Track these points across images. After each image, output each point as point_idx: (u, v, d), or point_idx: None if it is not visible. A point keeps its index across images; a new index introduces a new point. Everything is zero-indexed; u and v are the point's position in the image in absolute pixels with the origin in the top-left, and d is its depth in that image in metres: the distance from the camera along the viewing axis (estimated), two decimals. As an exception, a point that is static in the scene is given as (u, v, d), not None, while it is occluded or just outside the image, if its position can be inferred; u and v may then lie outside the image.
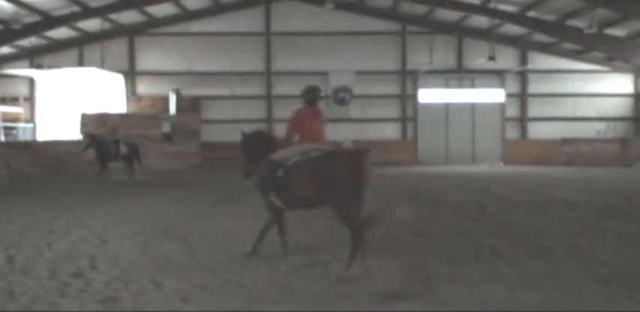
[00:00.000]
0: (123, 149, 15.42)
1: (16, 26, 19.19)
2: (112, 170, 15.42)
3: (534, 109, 24.89)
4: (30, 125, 24.11)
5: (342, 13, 23.90)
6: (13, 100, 23.57)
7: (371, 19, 24.49)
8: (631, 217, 8.32)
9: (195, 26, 24.36)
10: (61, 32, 22.55)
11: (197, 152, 22.32)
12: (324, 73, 24.15)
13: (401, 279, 4.78)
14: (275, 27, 24.41)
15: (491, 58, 21.68)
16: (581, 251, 5.86)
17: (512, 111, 24.99)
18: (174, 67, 24.16)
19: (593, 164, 21.57)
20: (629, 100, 25.07)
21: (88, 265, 5.37)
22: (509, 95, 24.93)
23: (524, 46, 24.46)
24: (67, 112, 23.38)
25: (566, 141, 23.65)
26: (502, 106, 25.03)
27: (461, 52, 24.80)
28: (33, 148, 18.15)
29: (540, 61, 24.53)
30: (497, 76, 24.82)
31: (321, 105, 6.70)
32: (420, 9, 23.31)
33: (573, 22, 20.86)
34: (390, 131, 24.84)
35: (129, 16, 22.84)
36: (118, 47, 23.85)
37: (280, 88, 23.92)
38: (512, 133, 25.07)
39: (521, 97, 24.94)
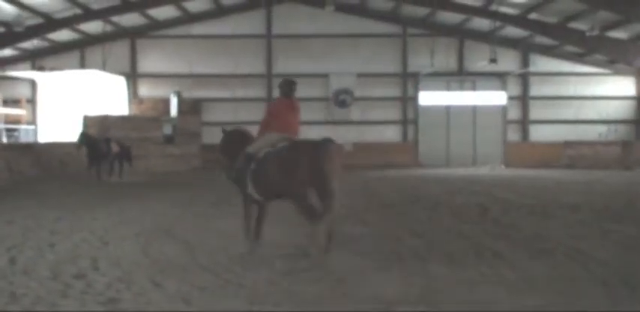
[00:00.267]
0: (114, 148, 15.45)
1: (18, 29, 19.29)
2: (104, 170, 15.47)
3: (536, 111, 24.87)
4: (32, 127, 24.21)
5: (342, 15, 23.94)
6: (15, 102, 23.64)
7: (372, 22, 24.52)
8: (632, 219, 8.32)
9: (197, 29, 24.42)
10: (63, 35, 22.62)
11: (198, 154, 22.38)
12: (325, 76, 24.18)
13: (401, 281, 4.78)
14: (276, 29, 24.46)
15: (493, 60, 21.72)
16: (582, 253, 5.85)
17: (514, 113, 24.96)
18: (175, 70, 24.23)
19: (595, 167, 21.52)
20: (631, 103, 25.03)
21: (89, 266, 5.38)
22: (510, 98, 24.90)
23: (525, 49, 24.45)
24: (68, 115, 23.48)
25: (568, 144, 23.59)
26: (503, 109, 25.01)
27: (462, 54, 24.81)
28: (35, 150, 18.18)
29: (542, 63, 24.49)
30: (499, 79, 24.80)
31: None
32: (421, 11, 23.36)
33: (575, 25, 20.87)
34: (391, 133, 24.83)
35: (131, 19, 22.92)
36: (120, 50, 23.93)
37: (281, 91, 23.93)
38: (513, 135, 25.04)
39: (523, 99, 24.91)
